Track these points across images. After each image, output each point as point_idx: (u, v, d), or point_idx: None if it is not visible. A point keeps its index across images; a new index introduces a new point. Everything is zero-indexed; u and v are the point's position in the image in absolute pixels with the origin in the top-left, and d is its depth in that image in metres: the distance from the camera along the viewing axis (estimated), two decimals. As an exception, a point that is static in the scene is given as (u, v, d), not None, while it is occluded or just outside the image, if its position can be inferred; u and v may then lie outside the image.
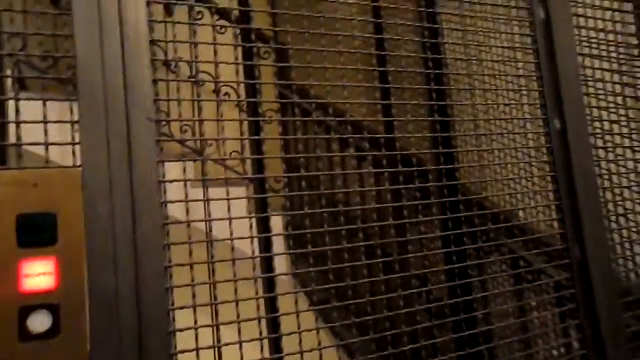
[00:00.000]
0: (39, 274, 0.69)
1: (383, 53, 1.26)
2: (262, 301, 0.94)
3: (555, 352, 1.21)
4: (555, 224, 1.18)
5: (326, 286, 0.98)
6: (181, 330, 0.79)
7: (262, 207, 1.74)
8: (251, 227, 0.96)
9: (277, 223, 2.25)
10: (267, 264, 1.66)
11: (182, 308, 0.80)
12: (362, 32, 1.08)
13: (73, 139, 0.75)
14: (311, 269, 1.00)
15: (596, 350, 1.10)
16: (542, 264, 1.34)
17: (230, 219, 0.89)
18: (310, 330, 0.90)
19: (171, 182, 0.81)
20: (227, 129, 0.97)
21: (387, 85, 1.15)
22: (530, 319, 1.27)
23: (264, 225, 1.68)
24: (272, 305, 1.62)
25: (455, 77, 1.34)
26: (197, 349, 0.80)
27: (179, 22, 0.89)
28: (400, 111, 1.53)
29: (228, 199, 0.91)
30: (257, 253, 1.03)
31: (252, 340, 0.84)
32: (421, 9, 1.22)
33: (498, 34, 1.24)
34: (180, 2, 0.89)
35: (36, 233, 0.70)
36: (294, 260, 2.11)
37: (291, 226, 2.04)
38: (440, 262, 1.72)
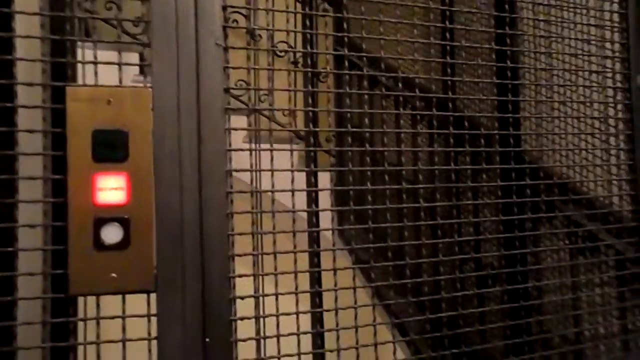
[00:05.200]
0: (111, 188, 0.72)
1: (444, 8, 1.19)
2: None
3: (612, 317, 1.17)
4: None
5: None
6: (239, 255, 0.81)
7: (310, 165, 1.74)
8: (293, 180, 0.92)
9: (325, 181, 2.26)
10: (314, 219, 1.68)
11: (241, 234, 0.81)
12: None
13: (141, 60, 0.76)
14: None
15: (658, 317, 1.06)
16: (604, 230, 1.28)
17: (291, 170, 0.87)
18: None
19: (235, 110, 0.81)
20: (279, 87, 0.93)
21: (445, 43, 1.09)
22: (589, 280, 1.23)
23: (312, 182, 1.69)
24: (317, 261, 1.63)
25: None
26: (255, 275, 0.82)
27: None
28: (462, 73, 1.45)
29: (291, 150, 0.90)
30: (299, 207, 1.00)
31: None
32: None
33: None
34: None
35: (110, 148, 0.72)
36: (339, 219, 2.12)
37: (338, 185, 2.04)
38: (493, 230, 1.68)
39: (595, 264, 1.29)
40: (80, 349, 0.77)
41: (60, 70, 0.80)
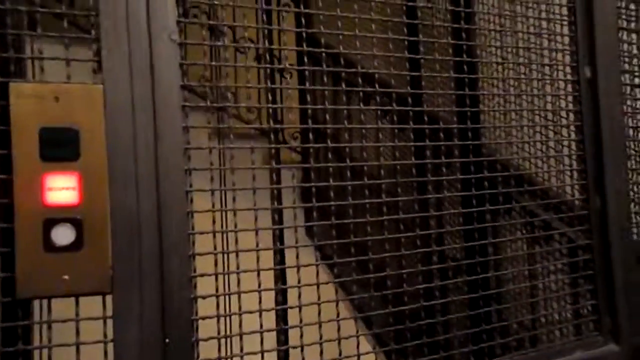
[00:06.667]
0: (62, 188, 0.69)
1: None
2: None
3: (566, 303, 1.22)
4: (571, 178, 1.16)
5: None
6: (200, 254, 0.79)
7: (275, 162, 1.73)
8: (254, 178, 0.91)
9: (288, 179, 2.25)
10: (278, 216, 1.67)
11: (202, 233, 0.80)
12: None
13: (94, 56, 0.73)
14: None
15: (607, 301, 1.11)
16: (557, 219, 1.33)
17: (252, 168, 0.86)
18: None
19: (193, 106, 0.79)
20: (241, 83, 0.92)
21: (408, 38, 1.10)
22: (542, 267, 1.27)
23: (276, 179, 1.68)
24: (281, 257, 1.64)
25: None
26: (216, 274, 0.81)
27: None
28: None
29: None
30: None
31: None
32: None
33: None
34: None
35: (59, 147, 0.69)
36: (307, 219, 2.12)
37: (303, 183, 2.04)
38: (455, 223, 1.72)
39: (550, 252, 1.34)
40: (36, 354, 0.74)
41: (4, 66, 0.77)
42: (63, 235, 0.69)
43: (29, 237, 0.67)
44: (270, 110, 0.91)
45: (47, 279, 0.68)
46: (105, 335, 0.72)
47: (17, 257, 0.67)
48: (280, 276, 1.49)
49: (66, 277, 0.69)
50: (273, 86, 0.84)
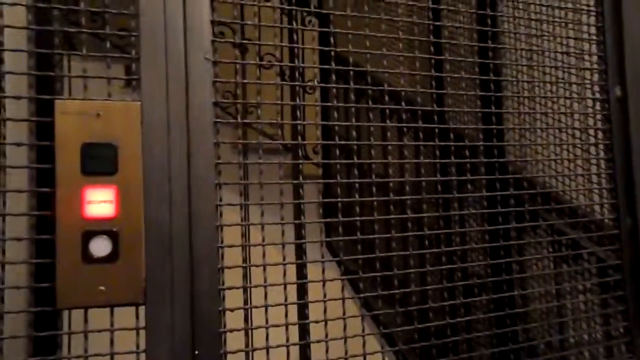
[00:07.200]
0: (100, 201, 0.72)
1: (434, 23, 1.22)
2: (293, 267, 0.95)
3: (596, 324, 1.19)
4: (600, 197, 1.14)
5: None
6: (229, 267, 0.81)
7: (296, 177, 1.74)
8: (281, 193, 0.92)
9: (311, 192, 2.27)
10: (303, 232, 1.67)
11: (230, 246, 0.82)
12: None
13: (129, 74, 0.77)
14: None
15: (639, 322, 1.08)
16: (586, 238, 1.30)
17: (280, 183, 0.89)
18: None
19: (225, 122, 0.82)
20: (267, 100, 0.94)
21: (432, 57, 1.11)
22: (573, 287, 1.25)
23: (297, 194, 1.69)
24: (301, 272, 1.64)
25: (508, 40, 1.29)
26: (245, 287, 0.83)
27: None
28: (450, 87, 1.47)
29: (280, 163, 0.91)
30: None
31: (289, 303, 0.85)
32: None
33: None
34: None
35: (99, 162, 0.72)
36: (327, 231, 2.12)
37: (324, 197, 2.05)
38: (479, 240, 1.70)
39: (578, 271, 1.31)
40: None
41: (47, 84, 0.81)
42: (100, 247, 0.71)
43: (69, 249, 0.70)
44: (299, 127, 0.93)
45: (85, 289, 0.70)
46: (137, 346, 0.74)
47: (58, 268, 0.70)
48: (302, 290, 1.50)
49: (102, 288, 0.71)
50: (303, 103, 0.86)
